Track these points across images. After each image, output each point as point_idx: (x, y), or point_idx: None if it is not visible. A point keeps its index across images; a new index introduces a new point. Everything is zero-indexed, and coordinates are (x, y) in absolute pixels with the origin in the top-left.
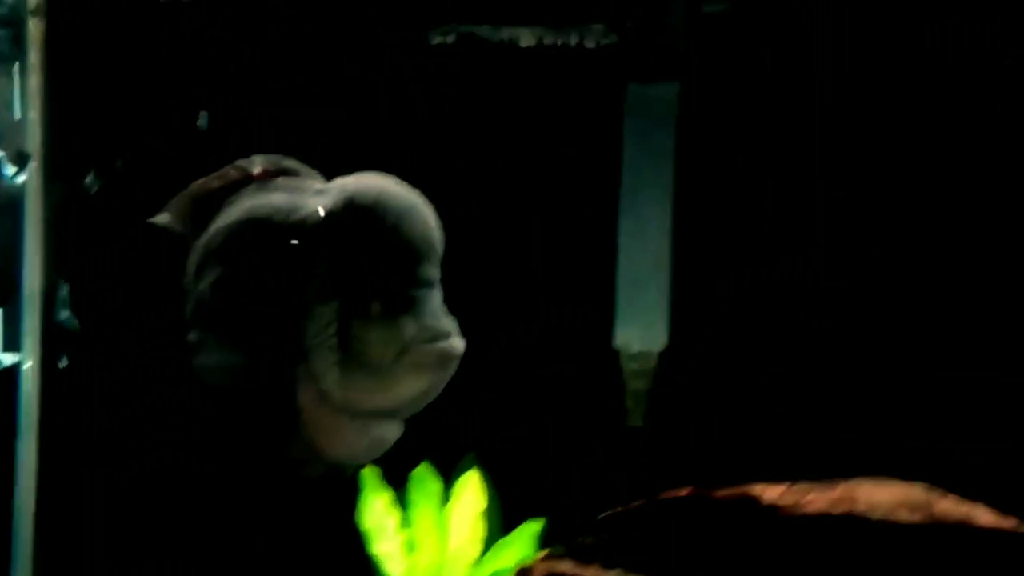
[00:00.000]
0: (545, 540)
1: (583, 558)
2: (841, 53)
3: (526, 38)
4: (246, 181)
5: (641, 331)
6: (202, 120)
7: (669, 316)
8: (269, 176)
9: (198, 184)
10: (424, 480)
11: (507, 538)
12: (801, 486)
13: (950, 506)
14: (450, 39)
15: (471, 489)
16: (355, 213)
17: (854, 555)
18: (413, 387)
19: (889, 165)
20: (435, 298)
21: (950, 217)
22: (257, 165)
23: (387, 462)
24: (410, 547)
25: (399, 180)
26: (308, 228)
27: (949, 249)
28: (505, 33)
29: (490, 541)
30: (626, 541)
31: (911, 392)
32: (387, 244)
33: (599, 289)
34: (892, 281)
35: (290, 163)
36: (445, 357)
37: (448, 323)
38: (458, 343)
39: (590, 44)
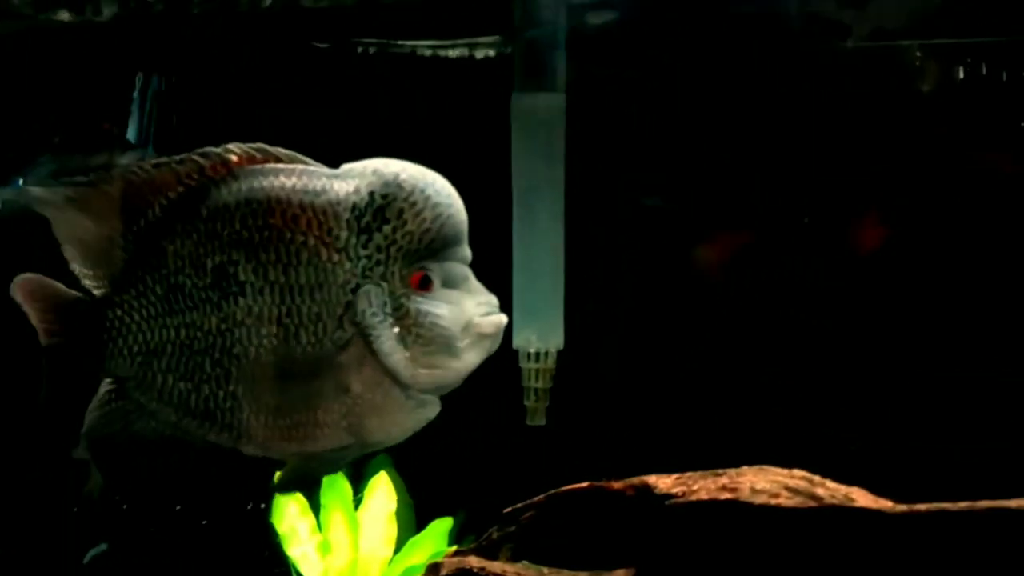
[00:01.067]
0: (457, 537)
1: (490, 552)
2: (719, 60)
3: (423, 49)
4: (222, 168)
5: (538, 331)
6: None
7: (565, 316)
8: (252, 163)
9: (158, 170)
10: (335, 483)
11: (418, 537)
12: (691, 475)
13: (828, 489)
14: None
15: (382, 490)
16: (407, 194)
17: (739, 538)
18: (474, 359)
19: (765, 167)
20: (473, 275)
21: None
22: (234, 153)
23: None
24: (325, 549)
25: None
26: (348, 209)
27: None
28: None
29: (403, 540)
30: (530, 534)
31: (797, 384)
32: (441, 223)
33: (496, 291)
34: (769, 274)
35: (276, 150)
36: (499, 328)
37: (493, 297)
38: (504, 316)
39: (483, 55)
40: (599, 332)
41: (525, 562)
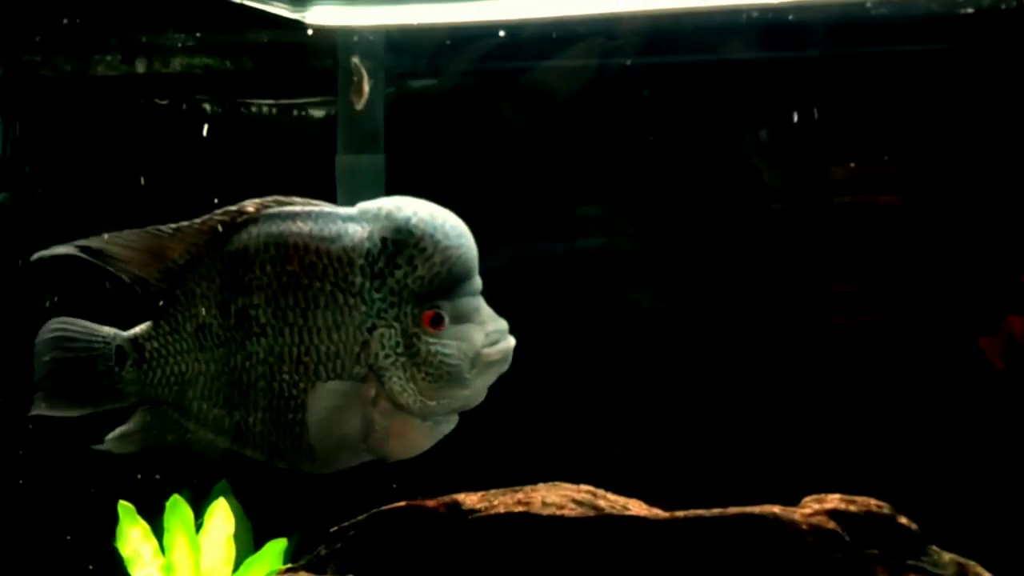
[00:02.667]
0: (294, 556)
1: (318, 568)
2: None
3: (260, 108)
4: (240, 217)
5: None
6: None
7: None
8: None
9: (206, 221)
10: (177, 508)
11: (254, 556)
12: (494, 492)
13: (609, 501)
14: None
15: (221, 514)
16: (416, 240)
17: (531, 544)
18: (483, 385)
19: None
20: (484, 304)
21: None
22: (250, 207)
23: (142, 496)
24: (168, 570)
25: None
26: (362, 255)
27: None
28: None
29: (241, 560)
30: (354, 550)
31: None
32: (450, 265)
33: None
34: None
35: (290, 199)
36: (507, 354)
37: (503, 323)
38: (512, 339)
39: (315, 116)
40: None
41: (350, 575)
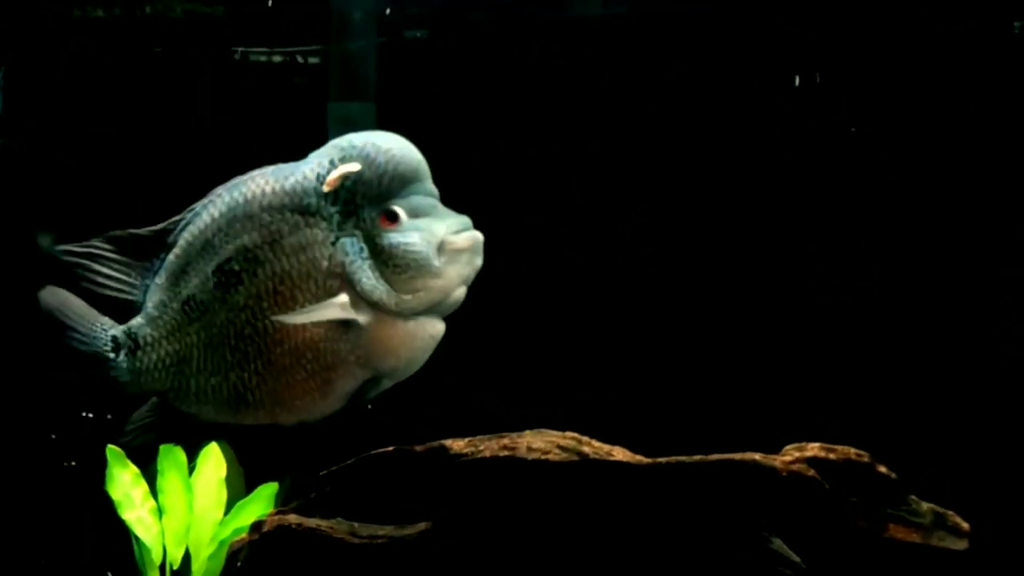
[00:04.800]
0: (285, 500)
1: (308, 511)
2: (530, 73)
3: (254, 55)
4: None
5: None
6: None
7: None
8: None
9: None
10: (171, 453)
11: (246, 500)
12: (480, 438)
13: (593, 447)
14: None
15: (213, 459)
16: (358, 150)
17: (517, 488)
18: (456, 275)
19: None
20: (442, 205)
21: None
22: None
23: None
24: (161, 512)
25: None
26: (315, 179)
27: None
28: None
29: (233, 504)
30: (344, 493)
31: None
32: (394, 165)
33: None
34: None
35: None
36: (476, 242)
37: (464, 218)
38: (479, 233)
39: (305, 63)
40: None
41: (339, 518)
